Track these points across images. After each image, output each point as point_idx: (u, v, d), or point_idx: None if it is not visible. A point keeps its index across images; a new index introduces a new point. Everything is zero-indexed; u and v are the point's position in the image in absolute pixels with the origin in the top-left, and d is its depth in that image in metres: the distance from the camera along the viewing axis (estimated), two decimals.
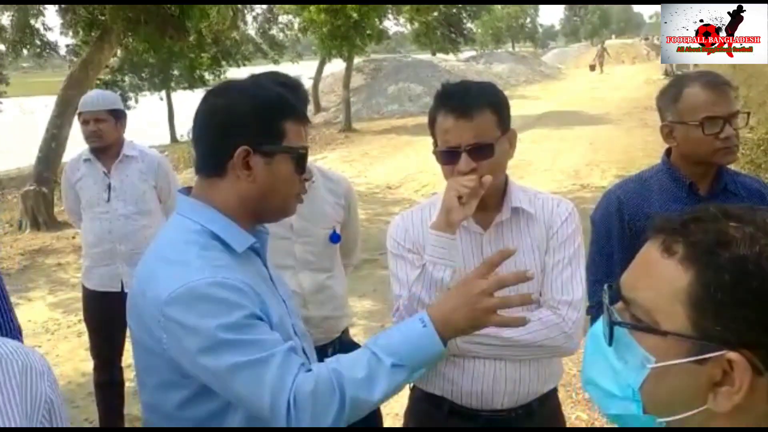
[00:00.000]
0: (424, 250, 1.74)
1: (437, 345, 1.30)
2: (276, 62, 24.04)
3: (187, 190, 1.48)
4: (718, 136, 1.92)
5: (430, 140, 1.81)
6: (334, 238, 2.33)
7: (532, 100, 21.09)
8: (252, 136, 1.37)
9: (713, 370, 0.75)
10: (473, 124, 1.64)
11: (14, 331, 1.75)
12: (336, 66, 22.31)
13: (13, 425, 0.91)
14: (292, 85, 2.17)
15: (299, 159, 1.43)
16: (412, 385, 1.92)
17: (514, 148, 1.77)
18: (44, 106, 11.22)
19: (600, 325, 0.87)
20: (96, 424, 3.69)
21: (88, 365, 3.83)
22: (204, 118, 1.43)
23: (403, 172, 11.20)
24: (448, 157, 1.68)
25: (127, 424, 3.63)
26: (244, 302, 1.29)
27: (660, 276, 0.79)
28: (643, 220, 2.02)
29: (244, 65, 21.24)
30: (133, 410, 3.65)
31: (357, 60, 20.48)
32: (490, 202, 1.73)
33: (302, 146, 1.44)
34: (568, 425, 2.09)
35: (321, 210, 2.31)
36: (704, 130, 1.92)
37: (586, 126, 15.05)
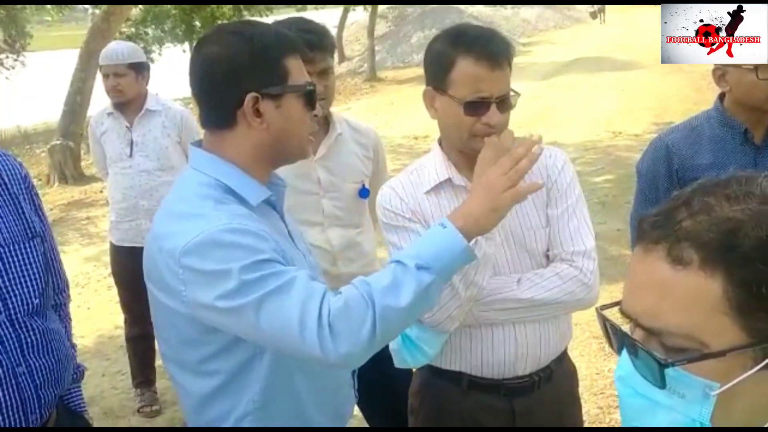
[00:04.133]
0: (423, 217, 1.64)
1: (460, 242, 1.30)
2: (300, 10, 23.61)
3: (201, 143, 1.42)
4: None
5: None
6: (363, 193, 2.25)
7: (562, 47, 20.49)
8: (257, 81, 1.31)
9: None
10: (504, 74, 1.58)
11: (62, 284, 1.75)
12: (359, 14, 21.84)
13: None
14: (317, 31, 2.07)
15: (307, 96, 1.37)
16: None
17: None
18: (68, 60, 11.17)
19: (626, 366, 0.76)
20: (128, 376, 3.75)
21: (119, 318, 3.87)
22: (203, 69, 1.35)
23: (430, 122, 10.94)
24: (475, 108, 1.57)
25: (158, 377, 3.68)
26: (263, 247, 1.25)
27: (685, 293, 0.69)
28: (694, 171, 1.92)
29: (268, 14, 20.89)
30: None
31: (380, 7, 19.99)
32: None
33: (308, 82, 1.38)
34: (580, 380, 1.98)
35: (349, 164, 2.22)
36: (758, 73, 1.80)
37: (618, 72, 14.55)
